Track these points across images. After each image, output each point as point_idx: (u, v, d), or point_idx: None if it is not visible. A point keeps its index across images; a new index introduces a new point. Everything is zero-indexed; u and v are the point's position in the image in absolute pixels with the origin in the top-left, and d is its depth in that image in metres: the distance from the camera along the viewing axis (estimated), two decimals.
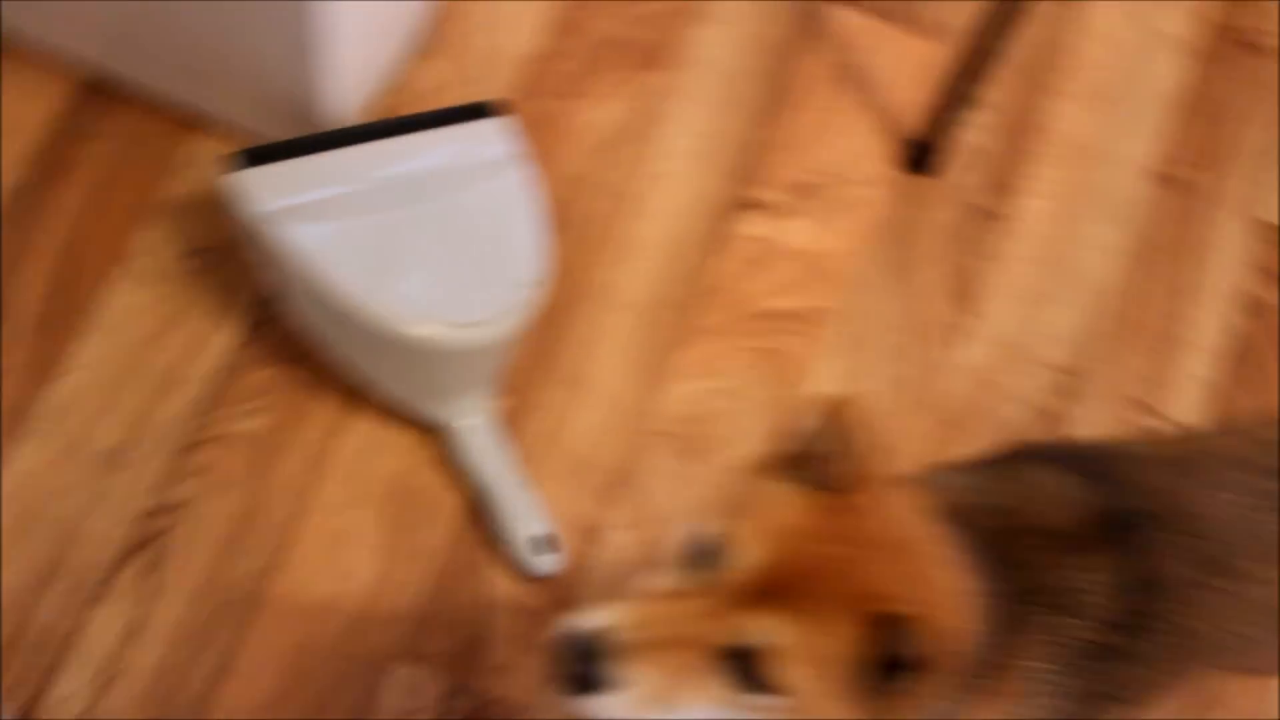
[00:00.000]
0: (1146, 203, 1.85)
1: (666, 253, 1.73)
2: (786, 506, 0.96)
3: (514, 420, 1.62)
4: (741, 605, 0.94)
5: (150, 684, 1.48)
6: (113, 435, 1.56)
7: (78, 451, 1.56)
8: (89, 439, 1.56)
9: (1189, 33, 1.95)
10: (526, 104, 1.74)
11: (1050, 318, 1.77)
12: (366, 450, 1.60)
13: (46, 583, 1.50)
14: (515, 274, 1.49)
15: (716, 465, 1.63)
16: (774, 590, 0.93)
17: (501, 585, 1.56)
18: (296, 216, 1.46)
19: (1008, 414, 1.72)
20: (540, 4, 1.82)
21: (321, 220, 1.47)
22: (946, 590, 0.98)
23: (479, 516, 1.58)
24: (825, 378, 1.69)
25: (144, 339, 1.60)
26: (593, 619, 0.96)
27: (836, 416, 0.97)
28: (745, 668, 0.94)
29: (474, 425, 1.58)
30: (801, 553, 0.94)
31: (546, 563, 1.55)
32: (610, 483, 1.62)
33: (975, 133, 1.84)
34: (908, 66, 1.85)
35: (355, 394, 1.60)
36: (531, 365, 1.65)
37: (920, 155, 1.79)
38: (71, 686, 1.47)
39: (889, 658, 0.92)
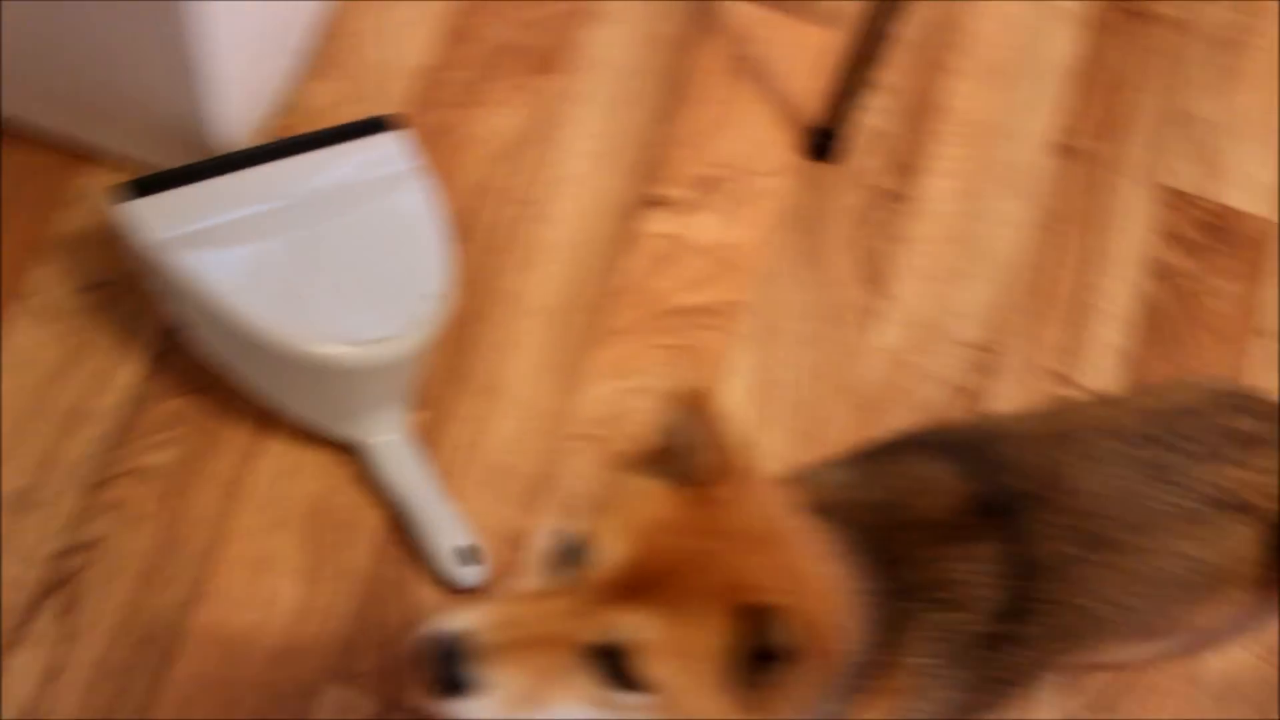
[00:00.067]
0: (1050, 175, 1.86)
1: (574, 255, 1.73)
2: (649, 502, 0.95)
3: (431, 433, 1.61)
4: (607, 602, 0.92)
5: None
6: (20, 477, 1.54)
7: None
8: None
9: (1080, 4, 1.96)
10: (424, 115, 1.74)
11: (962, 295, 1.78)
12: (283, 473, 1.58)
13: None
14: (420, 287, 1.48)
15: None
16: (639, 586, 0.92)
17: (429, 599, 1.54)
18: (191, 243, 1.44)
19: (926, 394, 1.72)
20: (431, 15, 1.81)
21: (218, 246, 1.45)
22: (814, 580, 0.97)
23: (402, 532, 1.57)
24: (741, 370, 1.69)
25: (46, 377, 1.58)
26: (456, 621, 0.94)
27: (696, 410, 0.96)
28: (613, 665, 0.93)
29: (390, 442, 1.57)
30: (665, 547, 0.93)
31: (472, 574, 1.54)
32: (533, 489, 1.61)
33: (876, 116, 1.84)
34: (804, 55, 1.86)
35: (268, 417, 1.59)
36: (445, 377, 1.64)
37: (822, 142, 1.80)
38: None
39: (757, 649, 0.91)
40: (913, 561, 1.09)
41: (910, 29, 1.87)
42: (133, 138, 1.62)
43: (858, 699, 1.05)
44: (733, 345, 1.71)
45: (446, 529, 1.55)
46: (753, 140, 1.81)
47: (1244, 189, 1.89)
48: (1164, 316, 1.81)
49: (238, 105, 1.59)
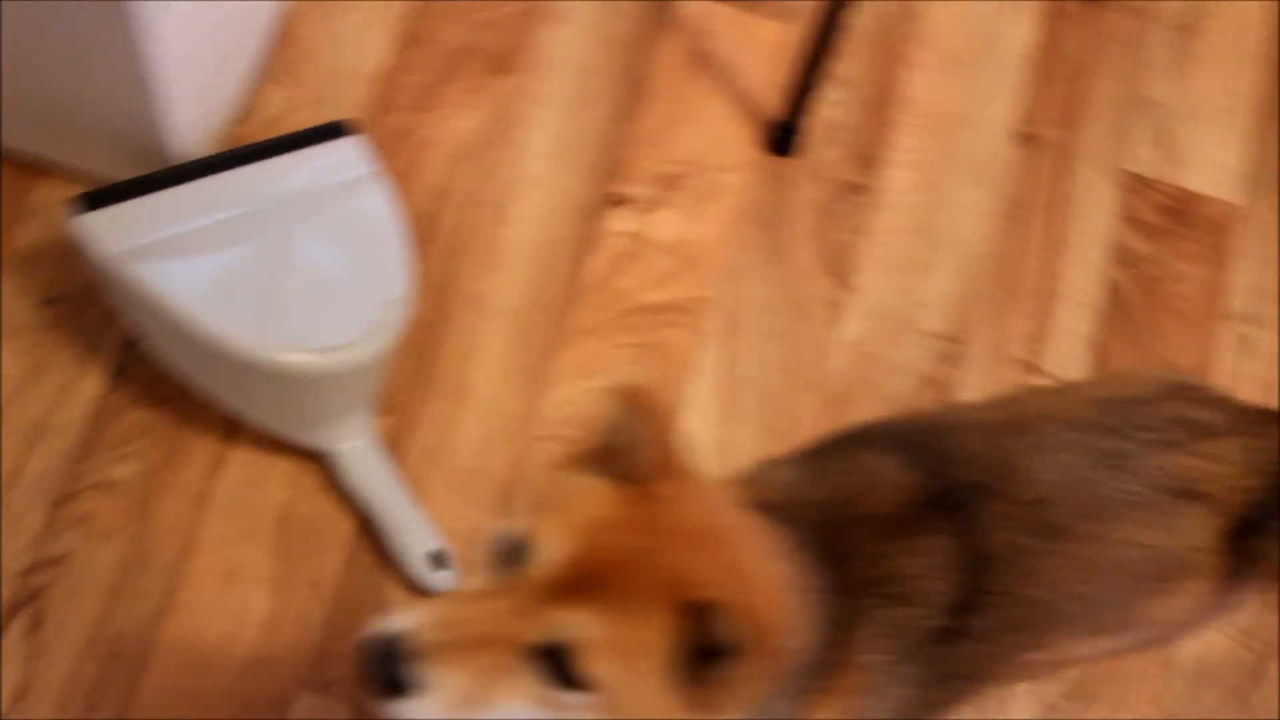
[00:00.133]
0: (1011, 163, 1.86)
1: (537, 257, 1.72)
2: (591, 500, 0.95)
3: (398, 438, 1.60)
4: (549, 601, 0.92)
5: None
6: None
7: None
8: None
9: None
10: (381, 120, 1.73)
11: (927, 286, 1.78)
12: (250, 483, 1.57)
13: None
14: (381, 292, 1.48)
15: None
16: (581, 584, 0.92)
17: (400, 605, 1.54)
18: (149, 254, 1.43)
19: (894, 386, 1.72)
20: (384, 18, 1.80)
21: (176, 256, 1.44)
22: (758, 576, 0.96)
23: (372, 539, 1.56)
24: (707, 367, 1.69)
25: (8, 393, 1.57)
26: (397, 621, 0.94)
27: (637, 407, 0.95)
28: (556, 664, 0.92)
29: (356, 448, 1.57)
30: (607, 545, 0.93)
31: (442, 579, 1.53)
32: (501, 492, 1.60)
33: (835, 109, 1.84)
34: (762, 49, 1.86)
35: (233, 427, 1.58)
36: (411, 382, 1.63)
37: (782, 136, 1.80)
38: None
39: (701, 646, 0.90)
40: (862, 557, 1.08)
41: (867, 20, 1.87)
42: (88, 150, 1.61)
43: (810, 698, 1.05)
44: (698, 342, 1.71)
45: (416, 534, 1.55)
46: (712, 136, 1.81)
47: (1204, 172, 1.89)
48: (1129, 302, 1.81)
49: (193, 114, 1.58)
